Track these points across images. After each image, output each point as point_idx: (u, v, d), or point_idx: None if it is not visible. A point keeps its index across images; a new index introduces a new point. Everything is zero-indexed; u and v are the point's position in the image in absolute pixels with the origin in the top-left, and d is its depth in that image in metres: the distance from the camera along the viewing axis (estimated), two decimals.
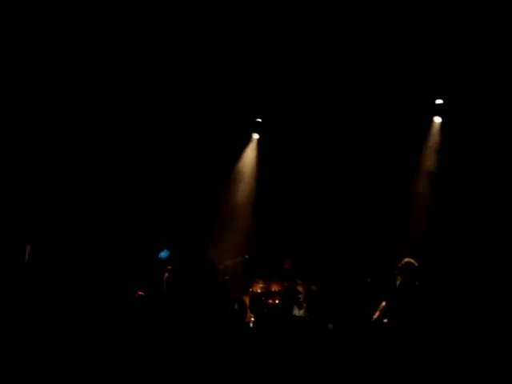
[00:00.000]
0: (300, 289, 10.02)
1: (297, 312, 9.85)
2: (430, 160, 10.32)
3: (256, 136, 11.55)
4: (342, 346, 8.10)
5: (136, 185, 10.88)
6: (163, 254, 9.85)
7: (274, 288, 10.06)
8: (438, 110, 10.19)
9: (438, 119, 10.28)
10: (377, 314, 8.34)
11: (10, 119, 9.91)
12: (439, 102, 10.08)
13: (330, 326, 9.33)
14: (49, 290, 8.08)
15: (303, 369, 7.08)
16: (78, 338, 6.49)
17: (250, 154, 11.57)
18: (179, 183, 11.18)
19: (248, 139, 11.61)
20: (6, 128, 9.87)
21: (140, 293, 9.80)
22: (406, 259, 8.38)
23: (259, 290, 10.19)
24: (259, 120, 11.36)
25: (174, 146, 11.06)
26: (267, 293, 10.09)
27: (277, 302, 9.93)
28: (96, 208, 10.61)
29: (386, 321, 8.04)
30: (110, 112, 10.59)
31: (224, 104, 10.73)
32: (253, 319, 9.89)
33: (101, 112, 10.54)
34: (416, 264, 8.20)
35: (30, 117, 10.12)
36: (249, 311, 9.96)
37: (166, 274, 9.51)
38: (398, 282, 8.62)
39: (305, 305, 9.94)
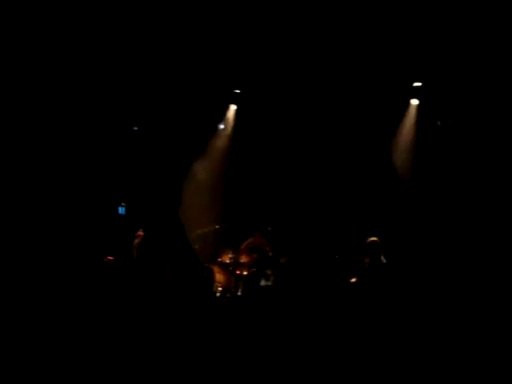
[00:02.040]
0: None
1: (263, 283, 9.90)
2: (405, 142, 10.47)
3: (234, 107, 11.47)
4: (309, 317, 8.20)
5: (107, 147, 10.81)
6: (121, 210, 9.82)
7: (243, 259, 10.10)
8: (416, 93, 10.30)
9: (415, 101, 10.40)
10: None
11: None
12: (417, 84, 10.17)
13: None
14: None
15: (269, 339, 7.16)
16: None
17: (226, 124, 11.51)
18: (153, 149, 11.11)
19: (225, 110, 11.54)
20: None
21: (110, 258, 9.76)
22: (371, 238, 8.56)
23: (228, 261, 10.23)
24: (237, 91, 11.26)
25: (151, 115, 10.98)
26: (236, 263, 10.13)
27: (244, 273, 9.98)
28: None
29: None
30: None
31: (203, 74, 10.62)
32: (220, 289, 9.93)
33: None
34: (379, 242, 8.39)
35: None
36: (216, 281, 9.99)
37: (137, 240, 9.47)
38: (366, 261, 8.80)
39: (272, 276, 9.99)
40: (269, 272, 9.79)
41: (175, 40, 9.88)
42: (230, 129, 11.47)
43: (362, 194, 10.62)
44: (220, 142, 11.57)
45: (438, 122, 10.16)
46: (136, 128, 11.23)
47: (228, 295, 9.95)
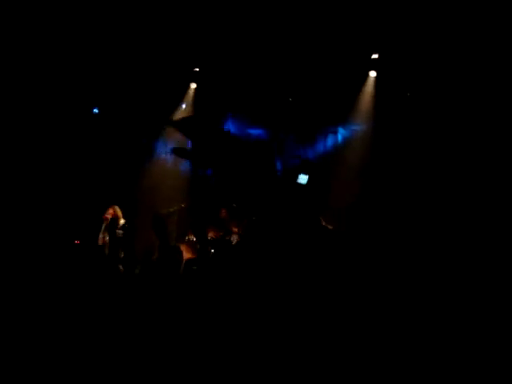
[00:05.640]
0: (234, 237, 10.13)
1: None
2: (363, 114, 10.60)
3: (193, 85, 11.43)
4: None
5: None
6: None
7: (210, 236, 10.14)
8: (374, 65, 10.38)
9: (373, 73, 10.49)
10: None
11: None
12: (375, 56, 10.25)
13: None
14: None
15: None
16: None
17: (188, 103, 11.50)
18: (114, 131, 11.09)
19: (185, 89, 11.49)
20: None
21: (77, 242, 9.79)
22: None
23: (195, 239, 10.28)
24: (197, 69, 11.21)
25: (111, 96, 10.92)
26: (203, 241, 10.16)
27: (212, 250, 10.04)
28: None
29: None
30: None
31: (161, 53, 10.56)
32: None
33: None
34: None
35: None
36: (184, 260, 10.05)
37: (106, 223, 9.50)
38: None
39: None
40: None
41: (134, 20, 9.83)
42: (190, 107, 11.44)
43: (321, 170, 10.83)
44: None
45: (408, 94, 10.25)
46: (96, 110, 11.17)
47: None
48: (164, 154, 11.68)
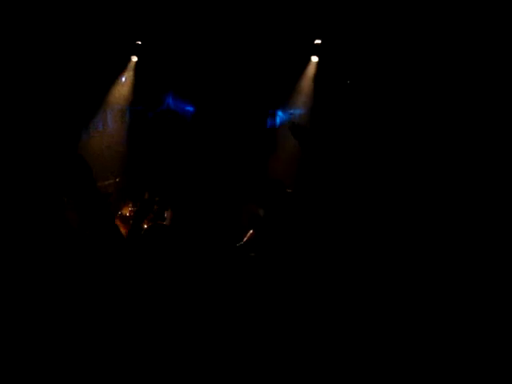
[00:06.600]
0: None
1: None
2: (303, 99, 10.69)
3: (135, 59, 11.23)
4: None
5: None
6: None
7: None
8: (316, 50, 10.45)
9: (315, 58, 10.56)
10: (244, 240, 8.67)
11: None
12: (318, 41, 10.31)
13: None
14: None
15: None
16: None
17: (126, 77, 11.33)
18: (50, 101, 10.82)
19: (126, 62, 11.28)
20: None
21: None
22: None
23: (128, 214, 10.17)
24: (139, 42, 11.03)
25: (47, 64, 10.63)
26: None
27: (145, 226, 9.95)
28: None
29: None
30: None
31: (103, 23, 10.33)
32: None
33: None
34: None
35: None
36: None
37: None
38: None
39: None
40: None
41: None
42: (131, 81, 11.28)
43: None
44: (121, 95, 11.37)
45: (348, 81, 10.37)
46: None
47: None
48: (101, 125, 11.47)
